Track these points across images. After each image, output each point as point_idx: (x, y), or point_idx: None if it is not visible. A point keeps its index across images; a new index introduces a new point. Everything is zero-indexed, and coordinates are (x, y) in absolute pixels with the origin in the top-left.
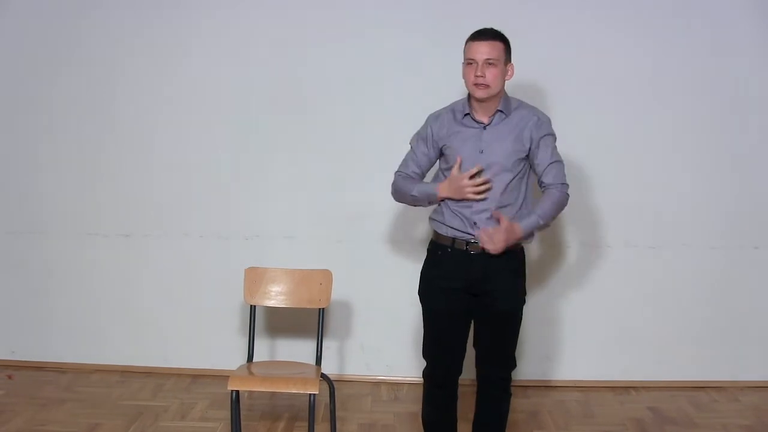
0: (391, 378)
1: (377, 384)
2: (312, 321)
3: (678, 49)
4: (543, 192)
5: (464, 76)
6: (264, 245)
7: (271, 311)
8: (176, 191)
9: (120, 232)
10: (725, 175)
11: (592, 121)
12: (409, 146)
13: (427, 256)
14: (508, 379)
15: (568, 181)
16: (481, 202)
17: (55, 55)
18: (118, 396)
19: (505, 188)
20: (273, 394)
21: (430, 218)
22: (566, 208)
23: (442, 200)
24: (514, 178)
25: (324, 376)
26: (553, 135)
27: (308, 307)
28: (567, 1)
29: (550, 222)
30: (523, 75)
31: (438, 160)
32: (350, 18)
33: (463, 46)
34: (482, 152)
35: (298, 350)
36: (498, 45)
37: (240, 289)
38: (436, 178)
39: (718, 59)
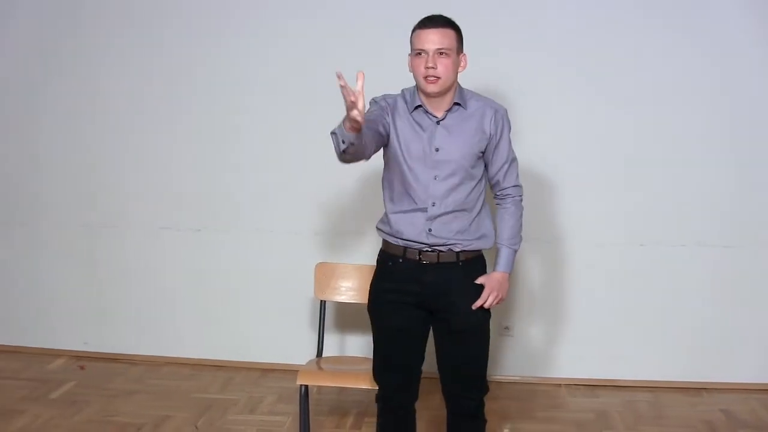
0: None
1: None
2: None
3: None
4: (497, 200)
5: (413, 68)
6: (334, 241)
7: (341, 307)
8: (247, 187)
9: (191, 227)
10: None
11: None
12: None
13: (376, 268)
14: (481, 404)
15: (520, 182)
16: (434, 207)
17: (126, 48)
18: (188, 389)
19: (460, 190)
20: (341, 389)
21: (377, 228)
22: (640, 204)
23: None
24: (470, 179)
25: None
26: (510, 128)
27: None
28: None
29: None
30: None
31: (383, 148)
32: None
33: (410, 35)
34: (438, 150)
35: (367, 346)
36: (450, 33)
37: (310, 284)
38: (384, 180)
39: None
